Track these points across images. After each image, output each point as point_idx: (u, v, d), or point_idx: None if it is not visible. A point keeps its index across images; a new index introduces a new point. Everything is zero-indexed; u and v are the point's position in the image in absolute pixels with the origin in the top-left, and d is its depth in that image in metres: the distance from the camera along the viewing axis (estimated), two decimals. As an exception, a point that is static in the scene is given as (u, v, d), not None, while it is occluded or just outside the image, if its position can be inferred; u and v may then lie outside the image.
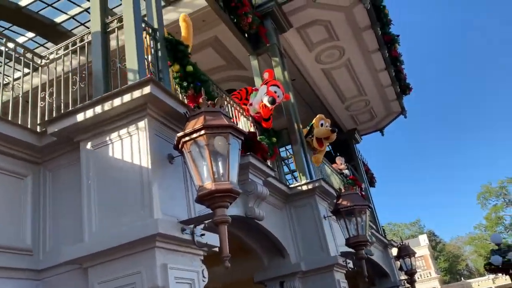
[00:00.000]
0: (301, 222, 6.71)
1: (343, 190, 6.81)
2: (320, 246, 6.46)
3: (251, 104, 6.61)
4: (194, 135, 3.38)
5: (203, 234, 3.64)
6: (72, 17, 8.37)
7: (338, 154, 11.31)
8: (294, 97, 8.10)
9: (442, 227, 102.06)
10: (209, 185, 3.39)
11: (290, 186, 6.80)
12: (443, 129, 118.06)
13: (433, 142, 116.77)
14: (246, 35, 7.75)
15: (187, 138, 3.40)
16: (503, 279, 46.85)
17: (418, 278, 47.57)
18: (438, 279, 48.04)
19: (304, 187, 6.69)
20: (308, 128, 8.63)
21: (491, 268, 16.91)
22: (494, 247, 17.79)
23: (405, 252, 12.51)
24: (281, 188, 6.52)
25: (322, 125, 8.66)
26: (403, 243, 12.78)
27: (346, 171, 10.65)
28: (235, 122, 6.08)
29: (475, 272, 62.90)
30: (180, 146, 3.50)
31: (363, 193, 13.06)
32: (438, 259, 62.45)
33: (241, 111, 6.39)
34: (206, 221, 3.59)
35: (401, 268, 12.62)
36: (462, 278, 53.37)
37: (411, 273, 12.39)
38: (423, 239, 53.42)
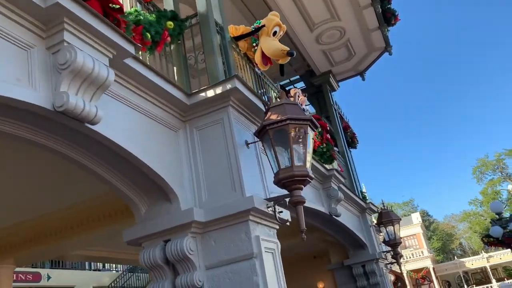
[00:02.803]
0: (207, 150, 4.26)
1: (274, 100, 4.34)
2: (231, 185, 4.02)
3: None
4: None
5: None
6: None
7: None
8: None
9: (436, 207, 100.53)
10: None
11: (191, 92, 4.31)
12: (437, 83, 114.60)
13: (425, 97, 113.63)
14: None
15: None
16: (498, 258, 45.14)
17: (410, 257, 45.79)
18: (430, 258, 46.19)
19: (210, 93, 4.21)
20: (253, 28, 5.89)
21: (490, 241, 14.68)
22: (489, 226, 15.58)
23: (387, 218, 10.15)
24: (171, 92, 4.03)
25: (275, 34, 6.00)
26: (385, 208, 10.40)
27: (306, 107, 8.15)
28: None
29: (468, 251, 61.30)
30: None
31: (336, 150, 10.65)
32: (432, 239, 60.72)
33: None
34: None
35: (388, 244, 10.23)
36: (455, 257, 51.60)
37: (394, 244, 10.04)
38: (416, 217, 51.53)
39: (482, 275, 47.56)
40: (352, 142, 13.47)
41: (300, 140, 4.08)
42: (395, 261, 11.09)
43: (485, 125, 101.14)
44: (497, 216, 14.57)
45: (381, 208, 10.47)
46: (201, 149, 4.25)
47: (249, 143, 4.42)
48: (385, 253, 10.40)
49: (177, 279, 3.80)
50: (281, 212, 4.24)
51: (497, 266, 46.35)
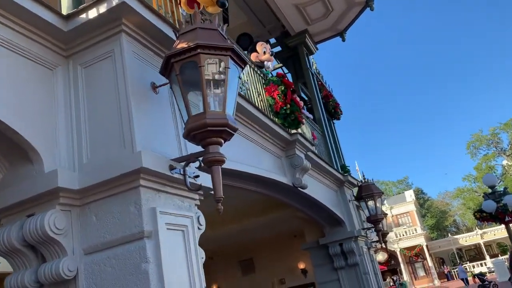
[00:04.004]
0: (94, 93, 3.14)
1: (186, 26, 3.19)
2: (120, 139, 2.92)
3: None
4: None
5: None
6: None
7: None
8: None
9: (431, 184, 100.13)
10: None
11: (67, 14, 3.16)
12: (428, 49, 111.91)
13: (415, 66, 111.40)
14: None
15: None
16: (492, 234, 44.63)
17: (403, 235, 45.20)
18: (424, 235, 45.63)
19: (92, 13, 3.06)
20: None
21: (482, 217, 13.73)
22: (483, 202, 14.61)
23: (368, 191, 9.13)
24: (35, 13, 2.89)
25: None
26: (365, 180, 9.37)
27: (269, 63, 7.03)
28: None
29: (462, 228, 60.97)
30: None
31: (310, 117, 9.57)
32: (426, 217, 60.24)
33: None
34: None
35: (369, 220, 9.16)
36: (449, 235, 51.16)
37: (375, 220, 9.04)
38: (409, 194, 50.82)
39: (476, 252, 47.19)
40: (335, 112, 12.40)
41: (219, 77, 2.98)
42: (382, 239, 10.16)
43: (481, 99, 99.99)
44: (490, 190, 13.61)
45: (361, 181, 9.45)
46: (87, 93, 3.14)
47: (157, 86, 3.31)
48: (365, 230, 9.42)
49: (39, 269, 2.74)
50: (197, 176, 3.16)
51: (491, 243, 45.94)
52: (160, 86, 3.31)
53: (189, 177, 3.05)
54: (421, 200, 63.45)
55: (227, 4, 4.63)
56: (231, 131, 2.94)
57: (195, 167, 3.07)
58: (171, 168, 2.93)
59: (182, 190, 3.13)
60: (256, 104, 5.91)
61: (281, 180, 5.96)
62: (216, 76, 2.98)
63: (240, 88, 5.83)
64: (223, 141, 2.97)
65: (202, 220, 3.41)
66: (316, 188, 7.52)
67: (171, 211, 2.95)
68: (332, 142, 10.62)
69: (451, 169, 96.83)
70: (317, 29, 10.49)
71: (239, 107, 5.02)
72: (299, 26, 10.24)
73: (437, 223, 60.20)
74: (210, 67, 2.95)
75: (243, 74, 6.07)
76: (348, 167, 11.03)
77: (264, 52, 7.00)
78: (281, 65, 11.61)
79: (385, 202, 51.01)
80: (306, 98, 10.89)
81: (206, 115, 2.83)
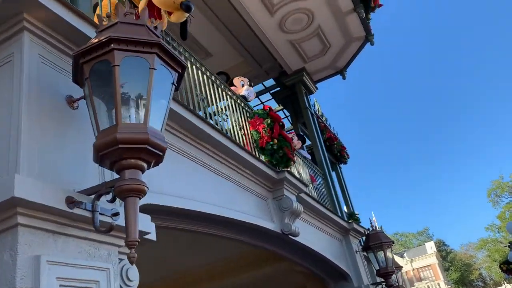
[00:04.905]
0: (-12, 108, 2.45)
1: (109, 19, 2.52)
2: (6, 163, 2.19)
3: None
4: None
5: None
6: None
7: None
8: None
9: (453, 234, 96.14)
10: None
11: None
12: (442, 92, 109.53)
13: (428, 111, 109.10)
14: None
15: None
16: (522, 288, 41.57)
17: (426, 290, 42.54)
18: (448, 290, 42.90)
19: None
20: None
21: (509, 268, 12.45)
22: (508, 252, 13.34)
23: (376, 241, 8.11)
24: None
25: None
26: (374, 227, 8.38)
27: (250, 92, 6.36)
28: None
29: (490, 282, 57.33)
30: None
31: (308, 157, 8.82)
32: (450, 270, 56.99)
33: None
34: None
35: (379, 273, 8.05)
36: (475, 289, 47.97)
37: (386, 273, 7.96)
38: (430, 246, 48.44)
39: (506, 308, 43.91)
40: (341, 156, 11.65)
41: (139, 80, 2.28)
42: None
43: (499, 144, 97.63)
44: (516, 238, 12.41)
45: (369, 229, 8.46)
46: (-21, 107, 2.45)
47: (75, 100, 2.62)
48: (376, 285, 8.30)
49: None
50: (117, 214, 2.37)
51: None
52: (79, 99, 2.61)
53: (101, 214, 2.27)
54: (444, 253, 60.36)
55: (193, 8, 3.99)
56: (155, 150, 2.18)
57: (107, 201, 2.28)
58: (70, 201, 2.15)
59: (94, 233, 2.33)
60: (236, 139, 5.19)
61: (266, 226, 5.10)
62: (138, 80, 2.28)
63: (215, 115, 5.14)
64: (145, 165, 2.21)
65: (133, 274, 2.59)
66: (314, 237, 6.60)
67: (72, 261, 2.15)
68: (338, 187, 9.78)
69: (473, 218, 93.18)
70: (315, 67, 9.94)
71: (212, 140, 4.32)
72: (296, 64, 9.71)
73: (462, 277, 56.76)
74: (129, 68, 2.26)
75: (222, 102, 5.41)
76: (357, 215, 10.08)
77: (243, 85, 6.37)
78: (281, 107, 11.05)
79: (405, 254, 48.59)
80: (310, 142, 10.19)
81: (118, 128, 2.10)
